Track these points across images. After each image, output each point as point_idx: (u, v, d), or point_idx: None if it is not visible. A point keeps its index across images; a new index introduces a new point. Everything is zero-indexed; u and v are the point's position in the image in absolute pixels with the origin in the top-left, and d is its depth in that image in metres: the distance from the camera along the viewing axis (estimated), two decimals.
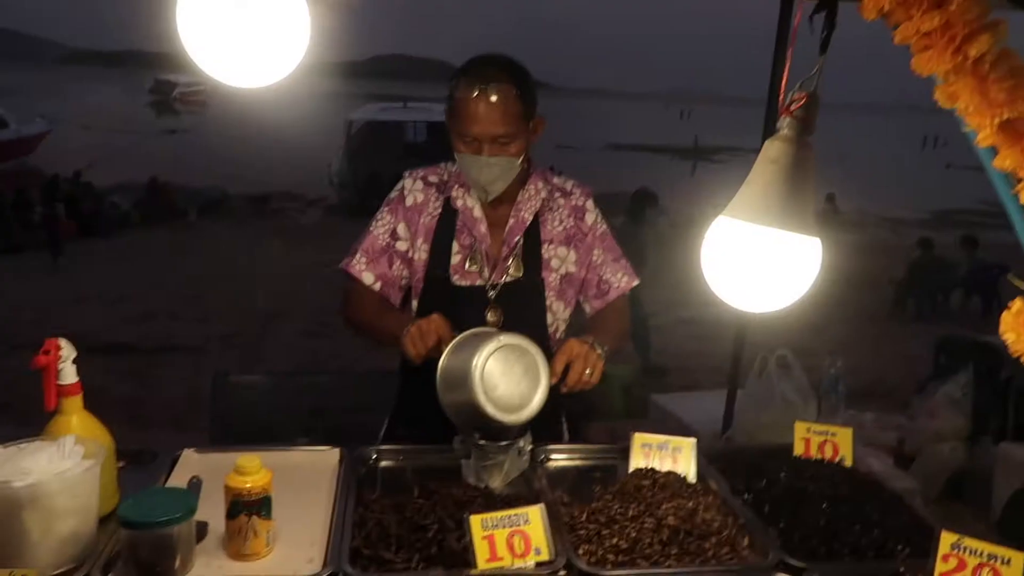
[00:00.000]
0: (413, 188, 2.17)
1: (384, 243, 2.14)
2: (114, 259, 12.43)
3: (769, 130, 3.43)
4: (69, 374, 1.51)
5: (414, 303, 2.15)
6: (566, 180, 2.26)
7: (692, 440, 1.89)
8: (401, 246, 2.14)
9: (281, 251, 12.73)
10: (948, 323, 9.86)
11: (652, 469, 1.84)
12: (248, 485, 1.43)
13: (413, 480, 1.75)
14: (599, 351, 1.95)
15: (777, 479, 1.82)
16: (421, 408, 2.01)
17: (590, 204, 2.24)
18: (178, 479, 1.73)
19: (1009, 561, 1.41)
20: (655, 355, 7.83)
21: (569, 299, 2.21)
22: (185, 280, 10.72)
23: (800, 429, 2.01)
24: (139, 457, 1.83)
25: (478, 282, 2.10)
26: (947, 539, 1.49)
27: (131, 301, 9.52)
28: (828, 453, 1.97)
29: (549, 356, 1.85)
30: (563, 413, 2.30)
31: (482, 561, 1.44)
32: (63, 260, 12.18)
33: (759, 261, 1.16)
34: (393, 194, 2.18)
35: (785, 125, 1.15)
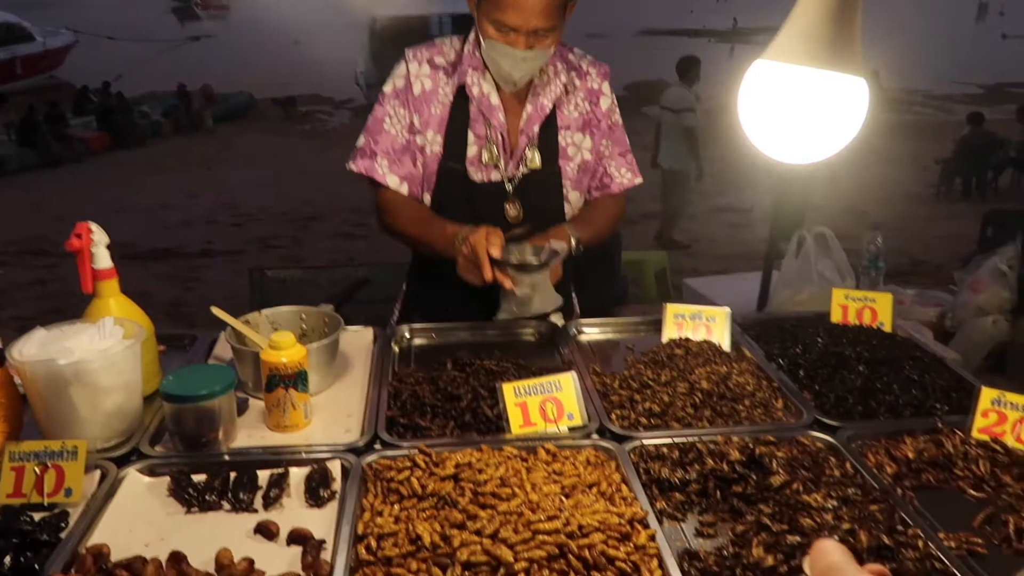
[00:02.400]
0: (420, 73, 1.99)
1: (404, 141, 1.99)
2: (149, 169, 12.51)
3: None
4: (103, 258, 1.53)
5: (426, 196, 2.03)
6: (582, 57, 2.10)
7: (726, 309, 1.87)
8: (420, 140, 1.99)
9: (312, 154, 12.68)
10: (997, 201, 9.53)
11: (686, 339, 1.83)
12: (284, 360, 1.46)
13: (446, 354, 1.77)
14: (570, 241, 1.92)
15: (813, 344, 1.80)
16: (432, 294, 2.04)
17: (606, 87, 2.09)
18: (215, 362, 1.77)
19: None
20: (691, 242, 7.79)
21: (584, 187, 2.11)
22: (219, 186, 10.80)
23: (838, 296, 1.97)
24: (179, 341, 1.87)
25: (494, 175, 1.98)
26: (988, 394, 1.47)
27: (168, 209, 9.64)
28: (867, 319, 1.93)
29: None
30: (572, 287, 2.25)
31: (515, 427, 1.47)
32: (100, 171, 12.32)
33: (802, 106, 1.10)
34: (399, 82, 2.00)
35: None
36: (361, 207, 8.27)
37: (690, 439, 1.42)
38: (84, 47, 23.70)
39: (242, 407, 1.57)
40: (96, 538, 1.21)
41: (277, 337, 1.47)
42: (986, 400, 1.46)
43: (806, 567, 0.72)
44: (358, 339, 1.88)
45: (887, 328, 1.91)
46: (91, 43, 25.23)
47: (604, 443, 1.43)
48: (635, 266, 5.38)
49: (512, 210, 1.99)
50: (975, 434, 1.45)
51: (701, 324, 1.87)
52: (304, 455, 1.41)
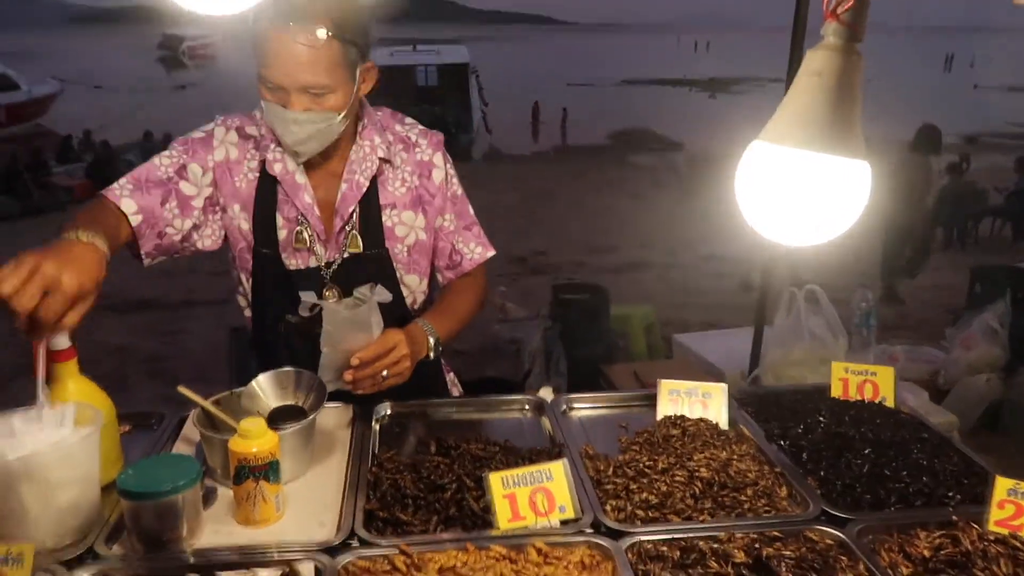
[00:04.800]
0: (226, 140, 1.80)
1: (164, 175, 1.72)
2: None
3: (796, 56, 3.25)
4: (61, 340, 1.43)
5: (244, 279, 1.85)
6: (411, 128, 1.91)
7: (723, 385, 1.79)
8: (187, 189, 1.74)
9: None
10: (978, 252, 9.60)
11: (682, 416, 1.74)
12: (254, 449, 1.35)
13: (430, 434, 1.67)
14: (426, 341, 1.75)
15: (815, 423, 1.72)
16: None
17: (438, 158, 1.89)
18: (183, 445, 1.66)
19: None
20: (678, 294, 7.75)
21: (423, 269, 1.92)
22: None
23: (837, 370, 1.90)
24: (145, 420, 1.76)
25: (312, 261, 1.80)
26: (1003, 484, 1.38)
27: None
28: (868, 394, 1.86)
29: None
30: (450, 369, 2.10)
31: (503, 521, 1.36)
32: None
33: (801, 190, 1.03)
34: (196, 135, 1.80)
35: (830, 32, 1.00)
36: None
37: (691, 536, 1.33)
38: (70, 96, 23.78)
39: (210, 497, 1.45)
40: None
41: (246, 424, 1.37)
42: (1001, 491, 1.38)
43: None
44: (336, 416, 1.78)
45: (889, 403, 1.83)
46: (78, 92, 25.33)
47: (599, 540, 1.32)
48: (622, 321, 5.31)
49: (331, 296, 1.80)
50: (992, 527, 1.36)
51: (697, 400, 1.78)
52: (274, 556, 1.30)
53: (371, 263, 1.83)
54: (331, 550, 1.31)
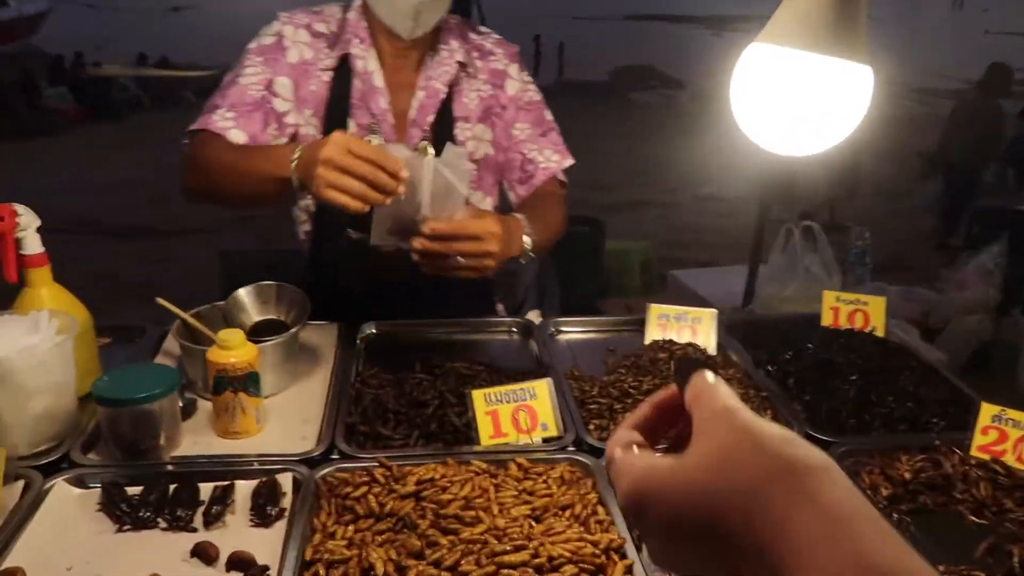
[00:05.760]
0: (296, 38, 1.69)
1: (257, 95, 1.65)
2: (125, 144, 12.21)
3: None
4: (33, 243, 1.39)
5: (307, 196, 1.68)
6: (487, 36, 1.83)
7: (712, 311, 1.77)
8: (280, 105, 1.67)
9: None
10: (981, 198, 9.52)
11: (670, 341, 1.72)
12: (232, 360, 1.33)
13: (415, 354, 1.65)
14: (522, 241, 1.56)
15: (804, 350, 1.70)
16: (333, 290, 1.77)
17: (514, 69, 1.81)
18: (164, 358, 1.64)
19: None
20: (675, 232, 7.67)
21: (489, 186, 1.84)
22: None
23: (828, 298, 1.87)
24: (127, 333, 1.74)
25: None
26: (988, 411, 1.37)
27: (143, 185, 9.39)
28: (859, 323, 1.83)
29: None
30: (495, 292, 2.01)
31: (485, 438, 1.36)
32: (73, 145, 12.00)
33: (800, 94, 0.98)
34: (266, 40, 1.70)
35: None
36: None
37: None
38: (62, 14, 23.14)
39: (189, 410, 1.44)
40: (12, 560, 1.09)
41: (224, 335, 1.34)
42: (986, 416, 1.37)
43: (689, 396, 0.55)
44: (322, 335, 1.76)
45: (880, 333, 1.81)
46: (69, 11, 24.65)
47: (580, 457, 1.32)
48: (618, 256, 5.28)
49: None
50: (974, 452, 1.36)
51: (686, 326, 1.76)
52: (253, 466, 1.29)
53: None
54: (310, 462, 1.30)
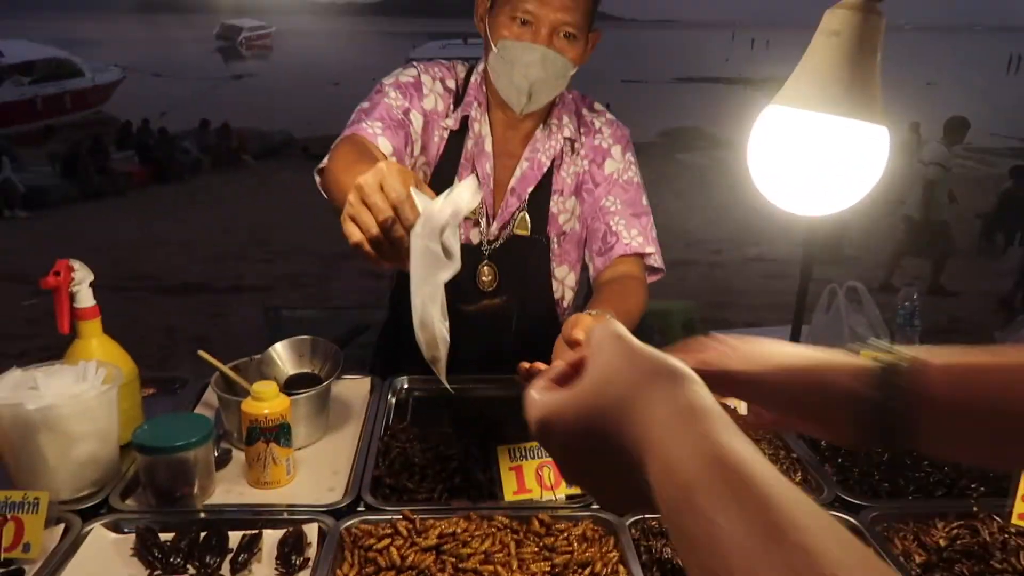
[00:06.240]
0: (434, 88, 1.73)
1: (400, 115, 1.66)
2: (186, 204, 12.71)
3: None
4: (85, 297, 1.47)
5: None
6: (600, 115, 1.84)
7: None
8: (412, 133, 1.68)
9: None
10: None
11: None
12: (265, 411, 1.38)
13: (446, 408, 1.68)
14: None
15: None
16: (401, 351, 1.73)
17: (617, 150, 1.80)
18: (204, 409, 1.69)
19: None
20: (719, 293, 7.61)
21: (573, 261, 1.85)
22: (254, 223, 10.91)
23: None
24: (169, 384, 1.80)
25: (473, 233, 1.74)
26: None
27: (203, 244, 9.74)
28: None
29: (558, 331, 1.34)
30: None
31: (509, 493, 1.36)
32: (138, 205, 12.53)
33: (816, 155, 1.00)
34: (405, 78, 1.73)
35: None
36: None
37: None
38: (131, 83, 24.43)
39: (225, 459, 1.49)
40: None
41: (259, 387, 1.39)
42: None
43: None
44: (355, 388, 1.80)
45: None
46: (138, 80, 26.01)
47: (604, 515, 1.31)
48: (660, 316, 5.25)
49: (487, 274, 1.77)
50: (1015, 520, 1.31)
51: None
52: (282, 515, 1.32)
53: (530, 247, 1.77)
54: (336, 513, 1.32)
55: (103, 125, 18.66)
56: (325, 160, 1.54)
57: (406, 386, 1.83)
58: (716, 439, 0.45)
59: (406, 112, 1.69)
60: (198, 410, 1.69)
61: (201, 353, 1.58)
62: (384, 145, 1.59)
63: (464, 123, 1.75)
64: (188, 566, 1.20)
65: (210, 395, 1.74)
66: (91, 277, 1.48)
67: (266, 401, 1.38)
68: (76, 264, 1.45)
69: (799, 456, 1.51)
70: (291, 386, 1.58)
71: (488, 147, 1.75)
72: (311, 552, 1.24)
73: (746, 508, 0.40)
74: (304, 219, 10.93)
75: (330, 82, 27.01)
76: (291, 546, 1.23)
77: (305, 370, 1.65)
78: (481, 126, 1.75)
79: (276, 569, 1.20)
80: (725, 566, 0.39)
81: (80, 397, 1.33)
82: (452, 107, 1.76)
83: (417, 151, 1.73)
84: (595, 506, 1.35)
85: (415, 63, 1.80)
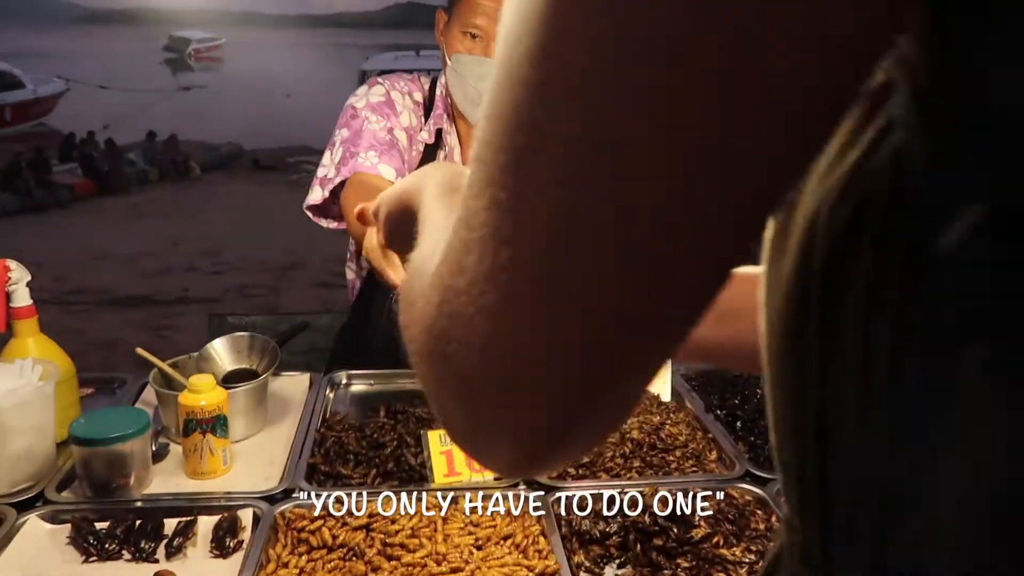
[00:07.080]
0: (405, 104, 1.74)
1: (387, 137, 1.67)
2: (132, 216, 12.48)
3: None
4: (22, 296, 1.49)
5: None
6: None
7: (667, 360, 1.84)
8: (402, 148, 1.70)
9: (296, 204, 12.52)
10: None
11: None
12: (202, 403, 1.42)
13: (382, 401, 1.73)
14: None
15: (753, 395, 1.78)
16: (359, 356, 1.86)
17: None
18: (142, 406, 1.72)
19: None
20: None
21: None
22: (202, 235, 10.77)
23: None
24: (108, 384, 1.83)
25: None
26: None
27: (149, 257, 9.59)
28: None
29: None
30: None
31: (439, 476, 1.43)
32: (82, 218, 12.28)
33: None
34: (375, 98, 1.73)
35: None
36: (341, 255, 8.29)
37: (617, 491, 1.39)
38: (76, 95, 23.88)
39: (162, 453, 1.52)
40: None
41: (195, 379, 1.44)
42: None
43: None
44: (294, 384, 1.84)
45: None
46: (83, 92, 25.43)
47: (529, 493, 1.38)
48: None
49: None
50: None
51: None
52: (217, 503, 1.36)
53: None
54: (271, 499, 1.37)
55: (45, 138, 18.16)
56: (315, 195, 1.73)
57: (344, 381, 1.89)
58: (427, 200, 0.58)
59: (390, 131, 1.72)
60: (137, 407, 1.71)
61: (139, 351, 1.62)
62: (386, 172, 1.63)
63: (439, 135, 1.79)
64: (123, 552, 1.24)
65: (149, 393, 1.77)
66: (28, 277, 1.50)
67: (203, 393, 1.42)
68: (12, 264, 1.48)
69: (714, 436, 1.60)
70: (229, 381, 1.62)
71: (457, 157, 1.80)
72: (245, 535, 1.28)
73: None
74: (254, 231, 10.86)
75: (282, 93, 26.75)
76: (226, 530, 1.27)
77: (243, 366, 1.70)
78: (451, 137, 1.80)
79: (211, 552, 1.25)
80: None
81: (17, 392, 1.36)
82: (423, 120, 1.80)
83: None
84: (522, 487, 1.42)
85: (379, 80, 1.82)
